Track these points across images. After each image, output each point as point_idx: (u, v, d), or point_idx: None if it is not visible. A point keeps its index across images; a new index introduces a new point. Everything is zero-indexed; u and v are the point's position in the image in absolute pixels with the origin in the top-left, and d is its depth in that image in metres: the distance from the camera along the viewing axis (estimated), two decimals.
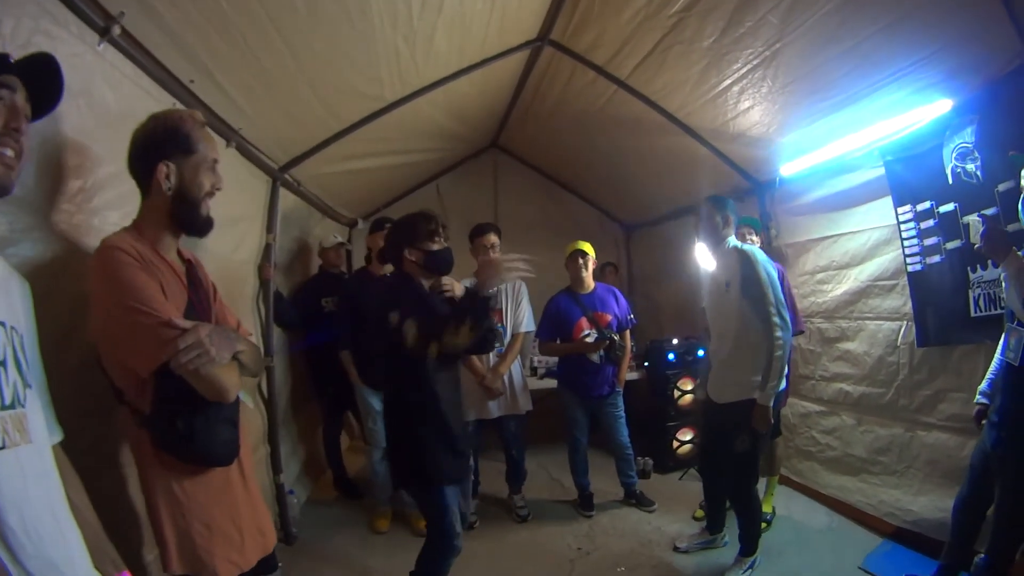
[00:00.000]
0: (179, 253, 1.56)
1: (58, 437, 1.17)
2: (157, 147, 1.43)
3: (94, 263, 1.31)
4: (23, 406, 1.01)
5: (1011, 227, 2.37)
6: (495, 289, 2.39)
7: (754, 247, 2.91)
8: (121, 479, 1.65)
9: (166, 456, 1.39)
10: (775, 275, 2.78)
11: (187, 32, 2.03)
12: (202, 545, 1.42)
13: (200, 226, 1.52)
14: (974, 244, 2.64)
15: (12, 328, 1.03)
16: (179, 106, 2.22)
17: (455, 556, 2.38)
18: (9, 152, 1.03)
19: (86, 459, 1.31)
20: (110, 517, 1.30)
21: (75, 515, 1.11)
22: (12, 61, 1.06)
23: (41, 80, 1.12)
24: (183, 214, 1.47)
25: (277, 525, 3.30)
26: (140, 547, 1.66)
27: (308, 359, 4.04)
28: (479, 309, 2.25)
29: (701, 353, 4.57)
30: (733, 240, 2.95)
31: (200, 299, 1.53)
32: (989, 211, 2.59)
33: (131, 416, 1.38)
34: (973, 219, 2.60)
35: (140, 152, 1.45)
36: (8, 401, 0.97)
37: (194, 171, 1.47)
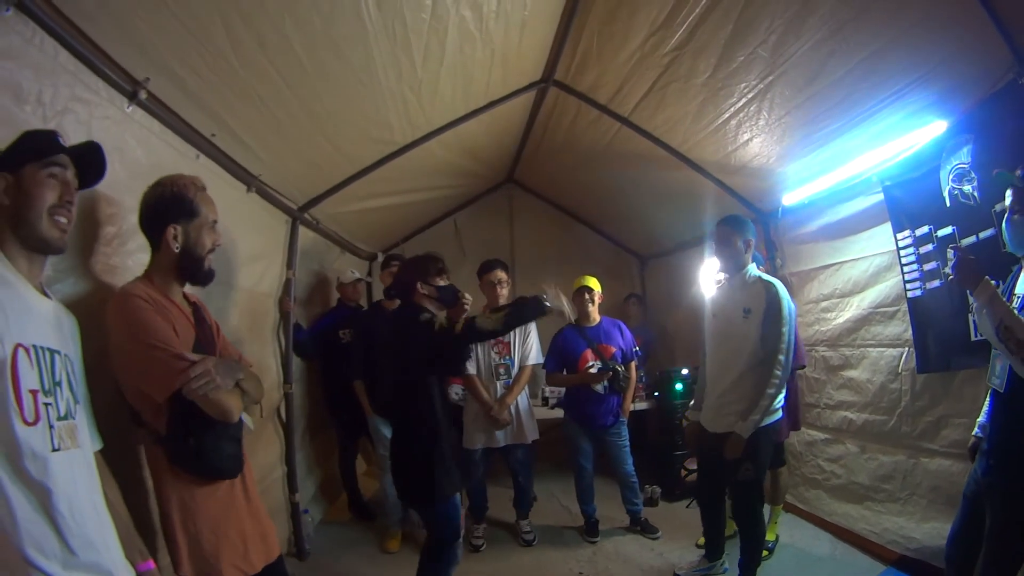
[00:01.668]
0: (185, 296, 1.79)
1: (99, 445, 1.41)
2: (165, 212, 1.68)
3: (114, 308, 1.54)
4: (74, 418, 1.26)
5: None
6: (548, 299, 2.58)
7: (780, 282, 2.86)
8: (140, 491, 1.83)
9: (179, 470, 1.60)
10: (794, 316, 2.77)
11: (206, 93, 2.29)
12: (209, 550, 1.61)
13: (203, 277, 1.77)
14: (948, 276, 2.65)
15: (66, 355, 1.28)
16: (202, 158, 2.50)
17: (456, 565, 2.60)
18: (63, 220, 1.30)
19: (120, 467, 1.53)
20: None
21: (110, 510, 1.35)
22: (60, 139, 1.31)
23: (87, 161, 1.39)
24: (189, 268, 1.72)
25: (291, 541, 3.48)
26: (155, 553, 1.84)
27: (324, 387, 4.23)
28: (526, 306, 2.51)
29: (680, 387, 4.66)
30: (756, 269, 2.94)
31: (205, 335, 1.77)
32: (987, 232, 2.57)
33: (148, 436, 1.60)
34: (948, 251, 2.63)
35: (150, 215, 1.69)
36: (63, 413, 1.22)
37: (198, 232, 1.72)
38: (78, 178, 1.36)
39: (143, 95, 2.00)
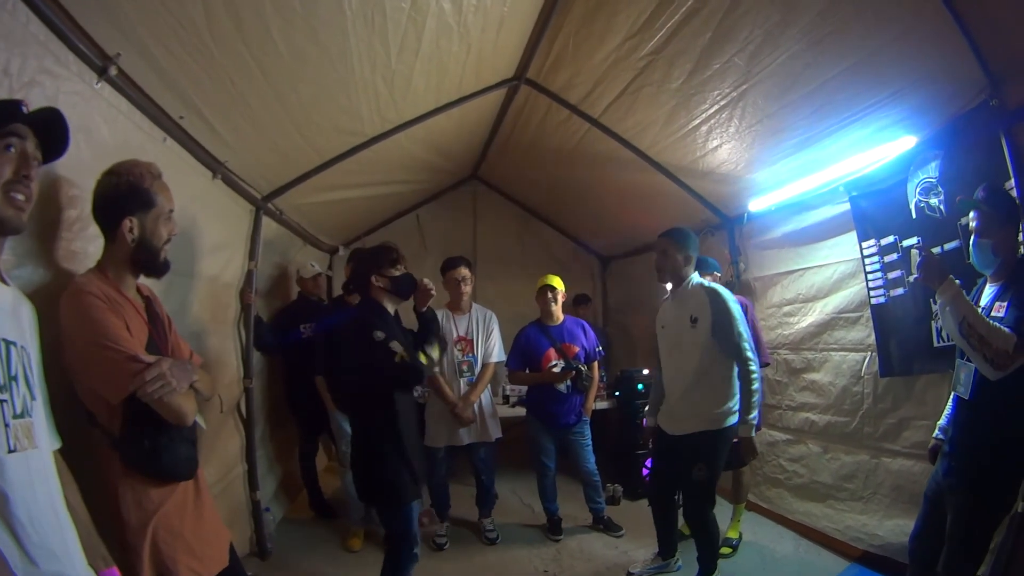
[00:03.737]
0: (138, 289, 1.70)
1: (57, 444, 1.31)
2: (121, 203, 1.58)
3: (66, 304, 1.44)
4: (30, 416, 1.15)
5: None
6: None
7: (720, 285, 2.95)
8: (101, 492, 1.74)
9: (134, 472, 1.52)
10: (741, 312, 2.86)
11: (178, 72, 2.18)
12: (167, 552, 1.53)
13: (159, 269, 1.69)
14: (912, 275, 2.75)
15: (22, 347, 1.17)
16: (169, 141, 2.39)
17: (415, 564, 2.54)
18: (20, 197, 1.18)
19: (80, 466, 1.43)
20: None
21: (71, 514, 1.25)
22: (24, 109, 1.20)
23: (49, 130, 1.27)
24: (144, 260, 1.64)
25: (253, 540, 3.38)
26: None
27: (285, 382, 4.12)
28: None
29: (641, 387, 4.70)
30: (698, 277, 3.00)
31: (159, 332, 1.69)
32: (951, 244, 2.67)
33: (102, 437, 1.50)
34: (912, 252, 2.71)
35: (104, 207, 1.59)
36: (19, 411, 1.11)
37: (154, 223, 1.63)
38: (40, 150, 1.25)
39: (113, 71, 1.88)
